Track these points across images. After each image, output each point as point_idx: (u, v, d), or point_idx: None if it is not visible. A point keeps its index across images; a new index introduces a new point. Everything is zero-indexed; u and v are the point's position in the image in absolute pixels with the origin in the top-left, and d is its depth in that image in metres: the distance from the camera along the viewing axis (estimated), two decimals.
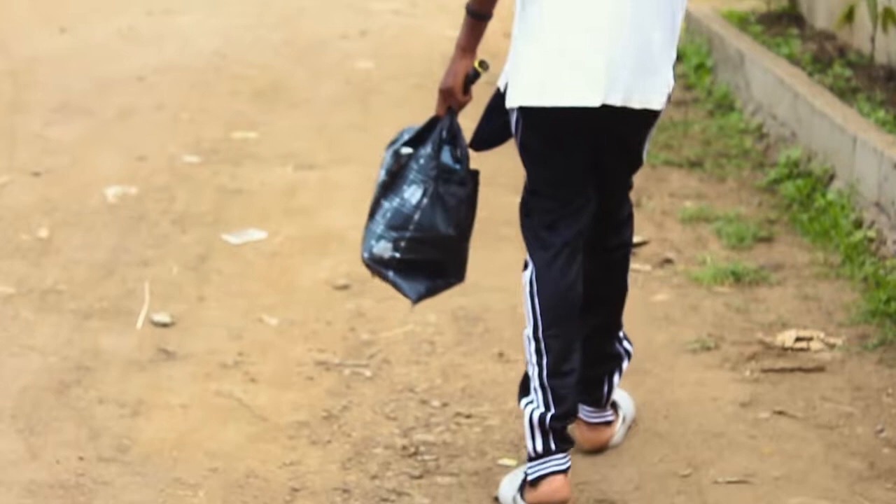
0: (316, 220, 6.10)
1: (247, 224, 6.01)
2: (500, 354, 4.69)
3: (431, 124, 3.65)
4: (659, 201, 6.33)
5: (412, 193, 3.60)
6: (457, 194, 3.62)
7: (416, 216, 3.59)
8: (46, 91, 8.35)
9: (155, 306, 5.08)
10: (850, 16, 6.97)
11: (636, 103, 3.51)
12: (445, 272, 3.71)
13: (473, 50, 3.58)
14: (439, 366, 4.62)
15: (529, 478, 3.65)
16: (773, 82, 7.22)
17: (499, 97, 3.66)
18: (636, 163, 3.77)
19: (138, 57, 9.32)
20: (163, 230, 5.93)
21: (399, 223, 3.60)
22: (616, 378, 3.97)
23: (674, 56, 3.60)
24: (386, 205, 3.63)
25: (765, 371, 4.55)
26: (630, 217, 3.93)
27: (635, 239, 4.28)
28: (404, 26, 10.60)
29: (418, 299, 3.70)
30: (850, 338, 4.80)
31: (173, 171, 6.81)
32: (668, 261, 5.60)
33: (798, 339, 4.76)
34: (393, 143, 3.69)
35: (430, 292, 3.71)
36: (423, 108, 7.85)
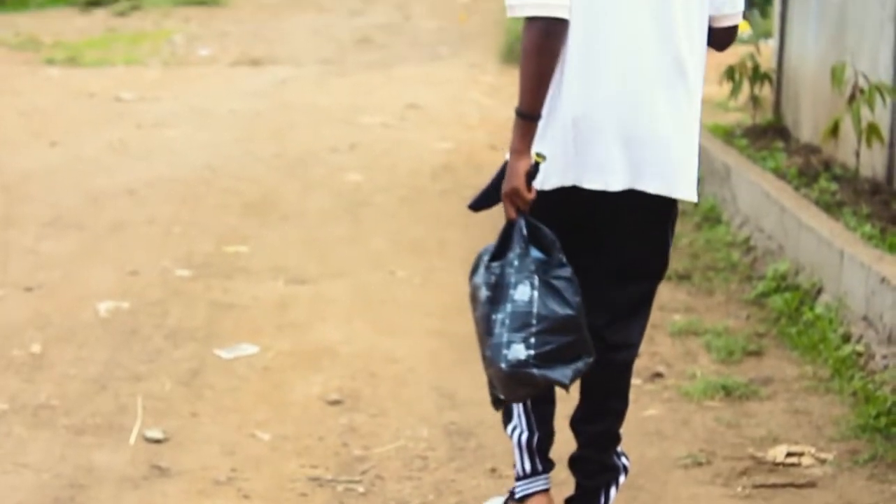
0: (308, 335, 6.13)
1: (239, 339, 6.03)
2: (493, 470, 4.69)
3: (507, 231, 3.70)
4: None
5: (521, 293, 3.62)
6: (561, 275, 3.65)
7: (534, 309, 3.61)
8: (38, 205, 8.40)
9: (148, 422, 5.09)
10: (834, 130, 7.06)
11: (652, 188, 3.69)
12: (580, 351, 3.68)
13: (528, 150, 3.63)
14: (432, 482, 4.62)
15: (517, 496, 3.86)
16: (759, 196, 7.30)
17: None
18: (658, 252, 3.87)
19: (129, 170, 9.40)
20: (155, 345, 5.95)
21: (521, 323, 3.61)
22: (613, 491, 4.00)
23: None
24: (500, 315, 3.63)
25: (757, 487, 4.57)
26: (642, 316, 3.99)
27: None
28: (394, 139, 10.71)
29: (571, 383, 3.68)
30: (840, 453, 4.82)
31: (165, 285, 6.84)
32: (659, 375, 5.63)
33: (789, 455, 4.78)
34: (476, 268, 3.73)
35: (577, 374, 3.69)
36: (412, 221, 8.08)
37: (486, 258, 3.71)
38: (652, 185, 3.70)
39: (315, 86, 13.69)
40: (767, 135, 8.98)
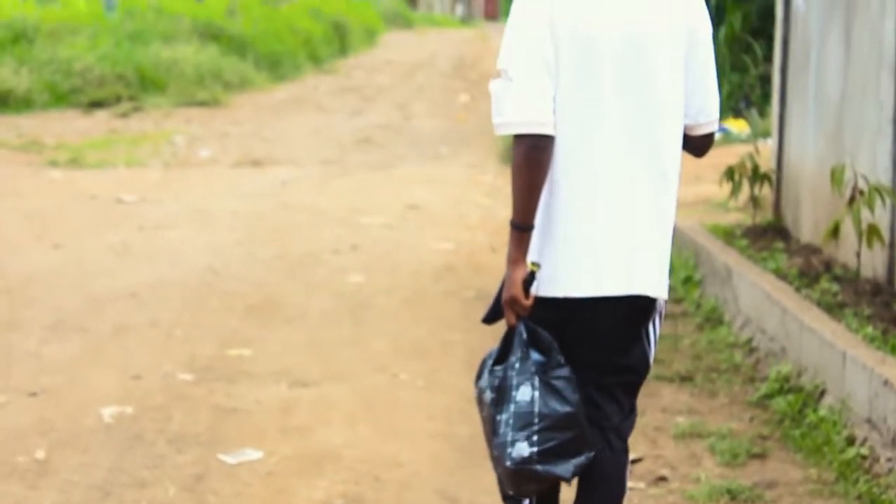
0: (311, 439, 6.12)
1: (243, 443, 6.03)
2: None
3: (508, 336, 3.91)
4: (651, 417, 6.37)
5: (523, 393, 3.83)
6: (560, 375, 3.85)
7: (536, 409, 3.81)
8: (41, 308, 8.42)
9: None
10: (835, 232, 7.10)
11: (657, 292, 3.93)
12: (581, 446, 3.87)
13: (524, 259, 3.85)
14: None
15: None
16: (761, 297, 7.33)
17: None
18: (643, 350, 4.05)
19: (131, 273, 9.43)
20: (159, 450, 5.94)
21: (524, 423, 3.81)
22: None
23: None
24: (504, 416, 3.84)
25: None
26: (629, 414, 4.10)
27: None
28: (394, 240, 10.75)
29: (573, 477, 3.90)
30: None
31: (168, 389, 6.84)
32: (663, 478, 5.61)
33: None
34: (480, 372, 3.96)
35: (578, 469, 3.88)
36: (415, 322, 8.10)
37: (489, 362, 3.92)
38: (643, 289, 3.90)
39: (316, 186, 13.77)
40: (768, 235, 9.03)
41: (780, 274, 7.69)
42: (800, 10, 9.01)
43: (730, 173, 9.09)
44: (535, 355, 3.85)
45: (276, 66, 26.25)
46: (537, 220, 3.85)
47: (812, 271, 7.72)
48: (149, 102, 20.75)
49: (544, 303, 3.87)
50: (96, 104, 20.36)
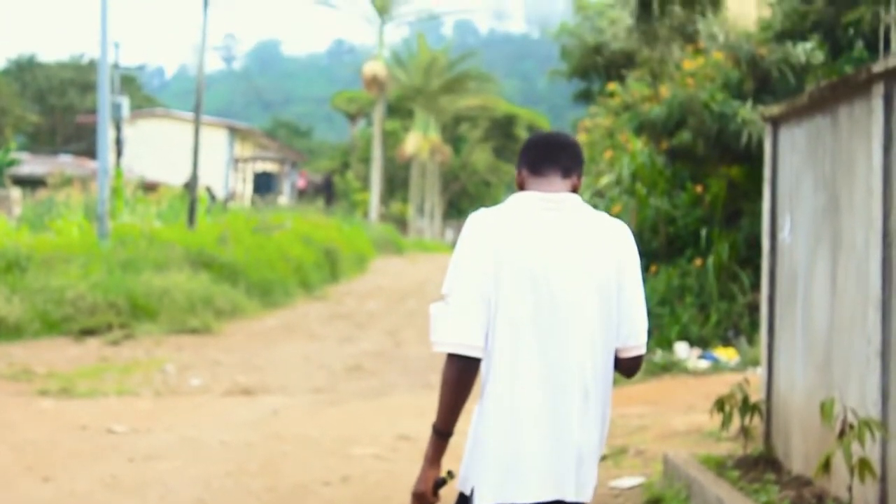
0: None
1: None
2: None
3: None
4: None
5: None
6: None
7: None
8: None
9: None
10: (826, 466, 7.10)
11: (580, 497, 4.33)
12: None
13: (439, 462, 4.35)
14: None
15: None
16: None
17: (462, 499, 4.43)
18: None
19: None
20: None
21: None
22: None
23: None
24: None
25: None
26: None
27: None
28: (386, 472, 10.70)
29: None
30: None
31: None
32: None
33: None
34: None
35: None
36: None
37: None
38: (571, 494, 4.30)
39: (306, 416, 13.76)
40: (759, 466, 9.01)
41: None
42: (786, 243, 9.16)
43: (720, 405, 9.12)
44: None
45: (268, 294, 26.46)
46: (470, 431, 4.38)
47: None
48: (140, 330, 20.86)
49: None
50: (88, 332, 20.46)
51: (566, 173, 4.48)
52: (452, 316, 4.26)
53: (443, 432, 4.36)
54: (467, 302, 4.25)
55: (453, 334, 4.26)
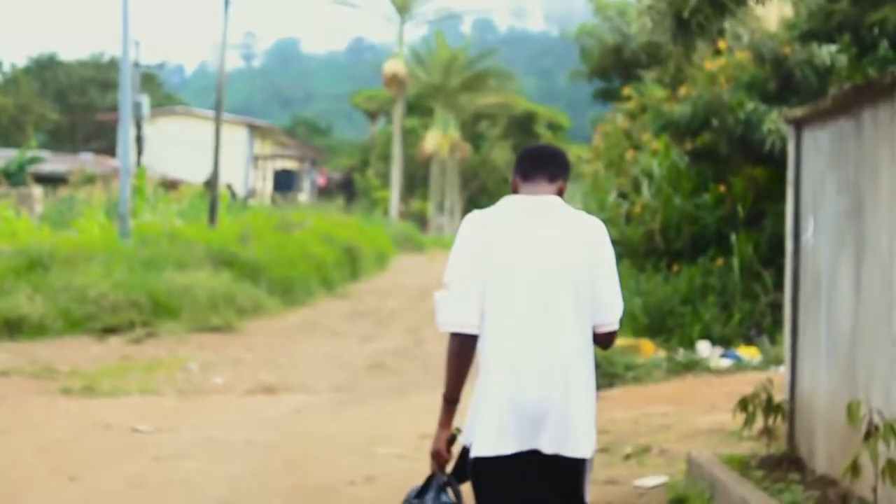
0: None
1: None
2: None
3: (429, 479, 5.12)
4: None
5: None
6: None
7: None
8: None
9: None
10: (854, 468, 7.10)
11: (561, 450, 4.95)
12: None
13: (450, 424, 5.06)
14: None
15: None
16: None
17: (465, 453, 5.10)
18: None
19: None
20: None
21: None
22: None
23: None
24: None
25: None
26: None
27: None
28: (409, 471, 10.69)
29: None
30: None
31: None
32: None
33: None
34: (407, 500, 5.15)
35: None
36: None
37: (412, 495, 5.14)
38: (548, 447, 4.94)
39: (329, 415, 13.80)
40: (783, 465, 9.01)
41: None
42: (809, 244, 9.17)
43: (743, 404, 9.13)
44: (444, 497, 5.05)
45: (289, 291, 26.50)
46: (473, 396, 5.02)
47: None
48: (163, 328, 20.92)
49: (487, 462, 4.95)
50: (110, 330, 20.53)
51: (552, 179, 5.25)
52: (452, 301, 5.05)
53: (450, 399, 5.06)
54: (463, 289, 5.03)
55: (453, 316, 5.03)
